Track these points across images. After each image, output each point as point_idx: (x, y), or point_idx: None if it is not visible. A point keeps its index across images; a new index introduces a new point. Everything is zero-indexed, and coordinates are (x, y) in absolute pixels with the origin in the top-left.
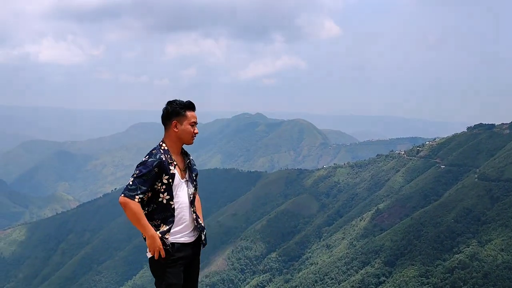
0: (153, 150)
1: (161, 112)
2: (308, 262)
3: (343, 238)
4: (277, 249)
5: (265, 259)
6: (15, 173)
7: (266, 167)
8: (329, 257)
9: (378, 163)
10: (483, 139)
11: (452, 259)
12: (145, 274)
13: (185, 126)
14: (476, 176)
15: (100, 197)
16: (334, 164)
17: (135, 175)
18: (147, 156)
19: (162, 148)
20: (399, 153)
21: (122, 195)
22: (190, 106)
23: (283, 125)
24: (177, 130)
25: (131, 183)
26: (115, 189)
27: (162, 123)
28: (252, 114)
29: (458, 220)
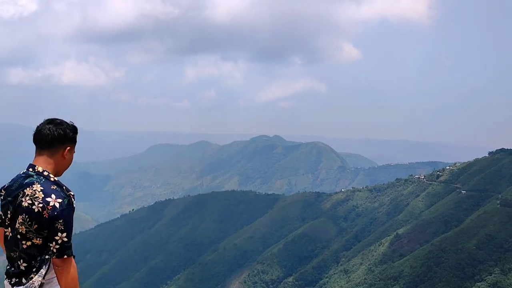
0: (58, 186)
1: (51, 132)
2: (325, 287)
3: (361, 264)
4: (294, 273)
5: (282, 283)
6: None
7: (284, 189)
8: (346, 283)
9: (398, 187)
10: (505, 164)
11: (473, 287)
12: None
13: (71, 155)
14: (498, 202)
15: (118, 217)
16: (352, 187)
17: (67, 231)
18: (60, 199)
19: (55, 181)
20: (419, 177)
21: (67, 255)
22: (77, 129)
23: (301, 147)
24: (66, 158)
25: (66, 239)
26: (133, 209)
27: (48, 144)
28: (269, 137)
29: (480, 247)
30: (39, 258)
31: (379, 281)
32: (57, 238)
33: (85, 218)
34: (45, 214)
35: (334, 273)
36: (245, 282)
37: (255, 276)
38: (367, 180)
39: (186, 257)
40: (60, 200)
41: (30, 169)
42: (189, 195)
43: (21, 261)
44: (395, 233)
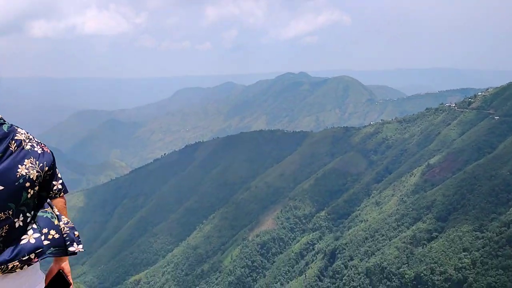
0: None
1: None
2: (358, 219)
3: (393, 195)
4: (325, 208)
5: (314, 217)
6: (70, 143)
7: (312, 126)
8: (379, 214)
9: (428, 117)
10: None
11: (508, 212)
12: (198, 235)
13: None
14: None
15: (151, 162)
16: (381, 120)
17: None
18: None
19: None
20: (450, 105)
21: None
22: None
23: (327, 83)
24: None
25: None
26: (165, 154)
27: None
28: (295, 74)
29: None
30: (32, 211)
31: (411, 211)
32: (58, 175)
33: (119, 165)
34: (47, 150)
35: (366, 206)
36: (278, 218)
37: (287, 212)
38: (396, 111)
39: (219, 197)
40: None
41: None
42: (218, 137)
43: (20, 216)
44: (426, 163)
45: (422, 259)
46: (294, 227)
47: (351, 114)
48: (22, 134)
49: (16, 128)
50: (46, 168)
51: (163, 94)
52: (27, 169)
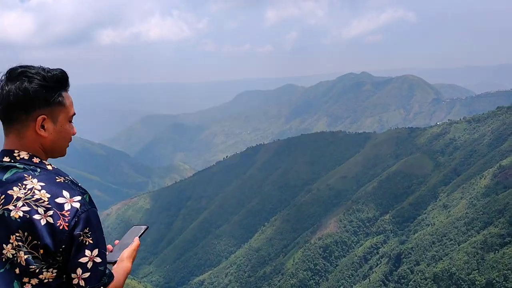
0: (65, 178)
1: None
2: (424, 223)
3: (461, 198)
4: (390, 211)
5: (378, 221)
6: (137, 146)
7: (375, 127)
8: (446, 218)
9: (499, 116)
10: None
11: None
12: (260, 237)
13: (61, 126)
14: None
15: (213, 165)
16: (448, 120)
17: (99, 245)
18: (79, 196)
19: (56, 169)
20: None
21: (104, 285)
22: (65, 80)
23: (391, 82)
24: (44, 134)
25: (100, 259)
26: (227, 156)
27: (7, 113)
28: (357, 74)
29: None
30: None
31: (482, 214)
32: (84, 260)
33: (183, 167)
34: (60, 224)
35: (433, 209)
36: (341, 221)
37: (350, 215)
38: (465, 111)
39: (281, 199)
40: (79, 198)
41: (5, 158)
42: (278, 139)
43: None
44: (498, 164)
45: (494, 265)
46: (358, 230)
47: (416, 114)
48: (24, 188)
49: (24, 177)
50: (52, 250)
51: (225, 98)
52: (13, 248)
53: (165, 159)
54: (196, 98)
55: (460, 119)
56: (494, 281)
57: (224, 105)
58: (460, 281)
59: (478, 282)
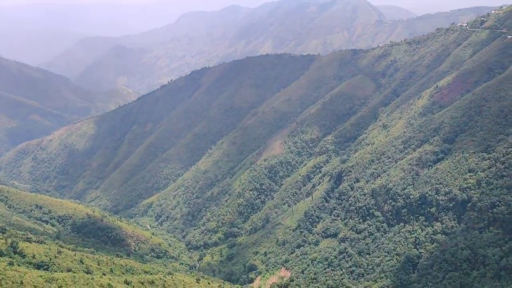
0: None
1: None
2: (364, 142)
3: (400, 118)
4: (332, 131)
5: (321, 141)
6: (77, 70)
7: (319, 49)
8: (385, 137)
9: (438, 38)
10: None
11: None
12: (207, 160)
13: None
14: None
15: (158, 88)
16: (390, 42)
17: None
18: None
19: None
20: (461, 25)
21: None
22: None
23: (335, 4)
24: None
25: None
26: (171, 80)
27: None
28: None
29: None
30: None
31: (418, 133)
32: None
33: (127, 92)
34: None
35: (373, 129)
36: (285, 142)
37: (294, 136)
38: (406, 32)
39: (227, 122)
40: None
41: None
42: (224, 62)
43: None
44: (435, 85)
45: (428, 180)
46: (301, 151)
47: (359, 36)
48: None
49: None
50: None
51: (168, 19)
52: None
53: (107, 83)
54: (138, 19)
55: (401, 40)
56: (427, 194)
57: (167, 27)
58: (396, 195)
59: (412, 196)
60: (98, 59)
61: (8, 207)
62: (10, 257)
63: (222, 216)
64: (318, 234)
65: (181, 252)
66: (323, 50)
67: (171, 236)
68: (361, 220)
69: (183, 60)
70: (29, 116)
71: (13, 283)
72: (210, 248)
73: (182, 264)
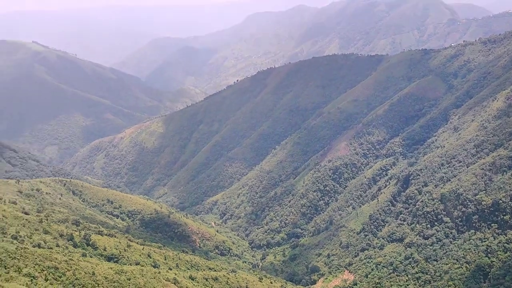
0: None
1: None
2: (434, 145)
3: (472, 120)
4: (400, 133)
5: (388, 143)
6: (147, 70)
7: (388, 49)
8: (457, 140)
9: None
10: None
11: None
12: (271, 160)
13: None
14: None
15: (224, 89)
16: (463, 41)
17: None
18: None
19: None
20: None
21: None
22: None
23: (405, 2)
24: None
25: None
26: (237, 80)
27: None
28: None
29: None
30: None
31: (492, 137)
32: None
33: (194, 92)
34: None
35: (443, 131)
36: (351, 144)
37: (360, 137)
38: (481, 31)
39: (292, 122)
40: None
41: None
42: (290, 63)
43: None
44: (511, 86)
45: (502, 186)
46: (367, 153)
47: (430, 36)
48: None
49: None
50: None
51: (235, 20)
52: None
53: (176, 83)
54: (206, 20)
55: (476, 40)
56: (501, 201)
57: (234, 28)
58: (467, 201)
59: (484, 202)
60: (167, 59)
61: (82, 200)
62: (83, 248)
63: (285, 217)
64: (383, 238)
65: (244, 251)
66: (391, 50)
67: (234, 234)
68: (429, 225)
69: (250, 60)
70: (103, 115)
71: (85, 273)
72: (273, 248)
73: (245, 262)
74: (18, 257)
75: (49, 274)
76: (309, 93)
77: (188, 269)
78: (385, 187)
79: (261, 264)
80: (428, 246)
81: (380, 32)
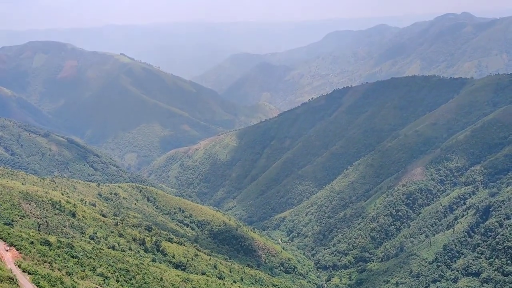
0: None
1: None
2: None
3: None
4: (482, 162)
5: (468, 171)
6: (225, 85)
7: (472, 72)
8: None
9: None
10: None
11: None
12: (342, 180)
13: None
14: None
15: (299, 106)
16: None
17: None
18: None
19: None
20: None
21: None
22: None
23: (495, 24)
24: None
25: None
26: (312, 98)
27: None
28: (457, 14)
29: None
30: None
31: None
32: None
33: (269, 108)
34: None
35: None
36: (427, 169)
37: (438, 163)
38: None
39: (366, 143)
40: None
41: None
42: (367, 82)
43: None
44: None
45: None
46: (445, 179)
47: None
48: None
49: None
50: None
51: (313, 38)
52: None
53: (251, 98)
54: (284, 37)
55: None
56: None
57: (312, 45)
58: None
59: None
60: (244, 74)
61: (155, 207)
62: (154, 254)
63: (354, 239)
64: (457, 271)
65: (310, 270)
66: (477, 73)
67: (300, 253)
68: (509, 261)
69: (326, 78)
70: (180, 126)
71: (154, 278)
72: (339, 270)
73: (310, 282)
74: (94, 257)
75: (120, 275)
76: (385, 114)
77: (252, 283)
78: (462, 216)
79: (326, 285)
80: (507, 284)
81: (465, 54)
